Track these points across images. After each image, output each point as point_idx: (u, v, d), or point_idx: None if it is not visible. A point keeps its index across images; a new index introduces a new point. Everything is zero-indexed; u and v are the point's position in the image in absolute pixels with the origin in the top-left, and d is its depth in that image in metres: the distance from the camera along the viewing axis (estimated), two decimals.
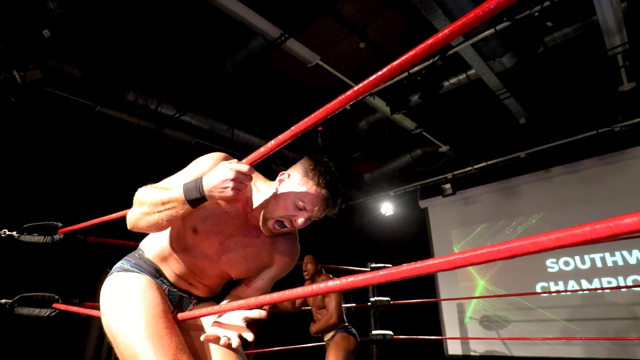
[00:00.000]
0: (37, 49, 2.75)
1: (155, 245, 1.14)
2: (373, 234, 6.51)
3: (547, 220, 4.89)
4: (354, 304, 4.32)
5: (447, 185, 5.35)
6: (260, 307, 1.00)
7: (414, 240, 6.02)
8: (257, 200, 1.11)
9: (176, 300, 1.14)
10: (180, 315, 1.03)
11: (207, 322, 1.10)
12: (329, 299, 2.89)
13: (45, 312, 1.84)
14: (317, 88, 4.40)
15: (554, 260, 4.78)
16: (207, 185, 0.93)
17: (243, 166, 0.94)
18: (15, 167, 3.20)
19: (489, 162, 5.04)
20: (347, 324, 2.97)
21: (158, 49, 3.91)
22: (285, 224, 1.07)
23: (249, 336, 0.93)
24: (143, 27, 3.62)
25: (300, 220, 1.05)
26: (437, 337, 4.68)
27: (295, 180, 1.07)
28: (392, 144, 5.56)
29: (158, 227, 1.01)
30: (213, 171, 0.95)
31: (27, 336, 2.80)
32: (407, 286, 4.75)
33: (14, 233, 1.95)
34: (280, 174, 1.11)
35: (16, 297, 1.85)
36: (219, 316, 1.01)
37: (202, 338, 0.96)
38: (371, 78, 0.77)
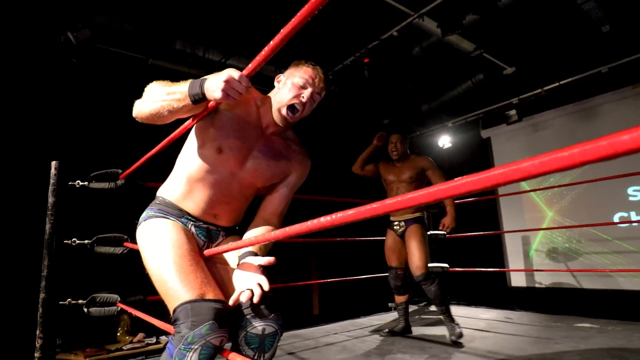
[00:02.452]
0: (83, 7, 2.84)
1: (176, 186, 1.22)
2: None
3: None
4: None
5: (512, 112, 4.90)
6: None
7: (474, 172, 5.73)
8: (266, 108, 1.23)
9: (204, 234, 1.23)
10: (207, 252, 1.12)
11: (229, 256, 1.20)
12: (432, 173, 2.94)
13: (118, 250, 2.09)
14: (361, 17, 4.07)
15: (638, 188, 4.30)
16: (207, 84, 1.00)
17: (235, 72, 0.98)
18: (77, 123, 3.50)
19: (562, 82, 4.47)
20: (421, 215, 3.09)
21: None
22: (296, 106, 1.19)
23: (265, 286, 1.00)
24: None
25: (307, 95, 1.17)
26: (495, 270, 4.58)
27: (291, 73, 1.23)
28: (449, 70, 5.13)
29: (158, 116, 1.09)
30: (217, 75, 1.00)
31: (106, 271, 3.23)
32: (468, 218, 4.65)
33: (85, 182, 2.19)
34: (276, 77, 1.27)
35: (94, 238, 2.11)
36: (240, 254, 1.09)
37: (230, 302, 1.02)
38: None
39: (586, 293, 4.46)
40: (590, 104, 4.62)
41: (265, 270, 1.05)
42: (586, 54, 4.25)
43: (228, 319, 0.99)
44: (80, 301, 2.08)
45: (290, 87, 1.19)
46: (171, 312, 1.00)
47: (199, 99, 1.01)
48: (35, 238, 2.41)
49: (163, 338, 3.88)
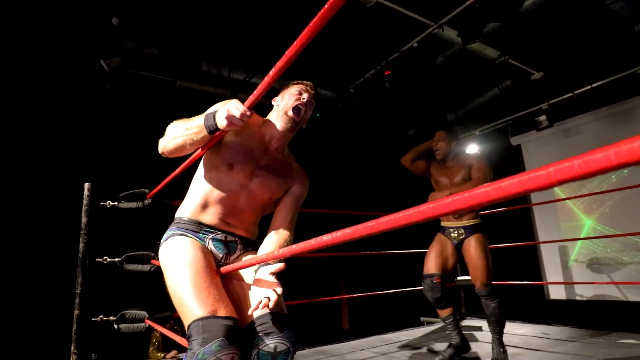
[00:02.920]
0: (113, 36, 3.01)
1: (192, 203, 1.32)
2: None
3: None
4: None
5: (543, 117, 4.72)
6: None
7: None
8: (268, 126, 1.38)
9: (222, 247, 1.29)
10: (223, 269, 1.17)
11: (244, 272, 1.25)
12: (475, 168, 2.60)
13: (146, 267, 2.16)
14: (380, 30, 4.08)
15: None
16: (217, 115, 1.13)
17: (237, 103, 1.11)
18: (108, 145, 3.68)
19: (594, 85, 4.29)
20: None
21: (220, 16, 3.99)
22: (299, 106, 1.34)
23: (278, 290, 1.05)
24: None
25: (306, 97, 1.37)
26: (532, 282, 4.36)
27: (285, 91, 1.41)
28: (475, 77, 5.04)
29: (182, 149, 1.25)
30: (223, 107, 1.13)
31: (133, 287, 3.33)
32: (500, 228, 4.49)
33: (116, 203, 2.28)
34: (272, 100, 1.43)
35: (123, 256, 2.19)
36: (257, 268, 1.13)
37: (250, 312, 1.06)
38: None
39: (632, 306, 4.18)
40: (625, 107, 4.40)
41: (278, 277, 1.10)
42: (618, 54, 4.07)
43: (239, 336, 1.01)
44: (111, 318, 2.16)
45: (290, 96, 1.37)
46: (186, 329, 1.02)
47: (213, 129, 1.15)
48: (68, 256, 2.53)
49: None
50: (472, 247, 2.59)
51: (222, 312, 1.02)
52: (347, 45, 4.35)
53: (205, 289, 1.07)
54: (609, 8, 3.52)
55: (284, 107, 1.36)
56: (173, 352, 3.84)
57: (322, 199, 3.73)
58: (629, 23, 3.76)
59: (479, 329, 3.52)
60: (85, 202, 2.26)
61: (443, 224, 2.81)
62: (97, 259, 2.23)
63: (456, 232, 2.68)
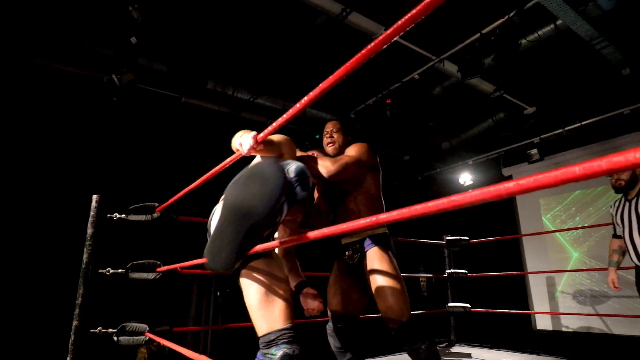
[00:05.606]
0: (128, 53, 3.11)
1: None
2: None
3: None
4: (430, 275, 4.30)
5: (534, 151, 4.91)
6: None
7: (497, 211, 5.68)
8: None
9: None
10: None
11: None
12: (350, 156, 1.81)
13: (152, 275, 2.19)
14: (384, 61, 4.25)
15: None
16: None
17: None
18: (115, 157, 3.73)
19: (584, 122, 4.49)
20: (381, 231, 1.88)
21: (229, 37, 4.12)
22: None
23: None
24: (213, 20, 3.83)
25: None
26: (518, 312, 4.45)
27: None
28: (470, 109, 5.23)
29: None
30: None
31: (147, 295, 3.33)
32: (490, 257, 4.54)
33: (123, 215, 2.32)
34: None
35: (129, 265, 2.22)
36: None
37: None
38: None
39: (616, 339, 4.26)
40: (614, 144, 4.59)
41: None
42: (607, 95, 4.30)
43: (298, 336, 1.23)
44: (110, 330, 2.17)
45: None
46: (258, 332, 1.25)
47: None
48: (70, 267, 2.54)
49: None
50: (375, 267, 1.75)
51: (285, 321, 1.24)
52: (350, 73, 4.48)
53: (273, 300, 1.28)
54: (599, 53, 3.74)
55: None
56: None
57: None
58: (617, 67, 4.00)
59: (468, 355, 3.56)
60: (92, 213, 2.29)
61: (342, 240, 1.99)
62: (100, 270, 2.25)
63: (350, 249, 1.90)
